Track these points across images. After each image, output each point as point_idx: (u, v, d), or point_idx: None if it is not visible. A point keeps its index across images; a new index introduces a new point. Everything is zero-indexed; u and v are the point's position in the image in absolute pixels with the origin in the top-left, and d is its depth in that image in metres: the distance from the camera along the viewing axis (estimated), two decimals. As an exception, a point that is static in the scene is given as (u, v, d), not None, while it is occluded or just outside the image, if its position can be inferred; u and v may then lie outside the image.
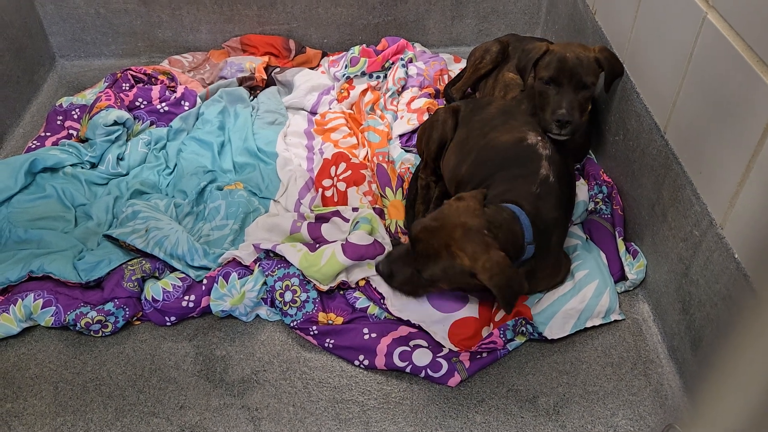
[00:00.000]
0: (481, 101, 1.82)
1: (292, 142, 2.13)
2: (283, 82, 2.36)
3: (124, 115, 2.06)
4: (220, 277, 1.60)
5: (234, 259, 1.66)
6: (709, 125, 1.32)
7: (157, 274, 1.63)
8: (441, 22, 2.56)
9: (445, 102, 2.24)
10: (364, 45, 2.42)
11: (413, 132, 2.11)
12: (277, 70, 2.38)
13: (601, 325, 1.56)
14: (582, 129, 1.76)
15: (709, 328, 1.32)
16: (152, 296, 1.56)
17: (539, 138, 1.57)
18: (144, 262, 1.63)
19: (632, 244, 1.68)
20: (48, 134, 2.13)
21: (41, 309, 1.54)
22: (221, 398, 1.43)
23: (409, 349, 1.48)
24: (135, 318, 1.59)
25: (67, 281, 1.59)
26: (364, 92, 2.27)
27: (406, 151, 2.06)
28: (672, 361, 1.47)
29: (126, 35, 2.52)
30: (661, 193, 1.53)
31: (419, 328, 1.54)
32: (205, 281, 1.62)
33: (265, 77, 2.37)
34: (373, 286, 1.61)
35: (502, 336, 1.47)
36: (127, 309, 1.56)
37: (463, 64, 2.42)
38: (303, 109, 2.30)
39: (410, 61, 2.38)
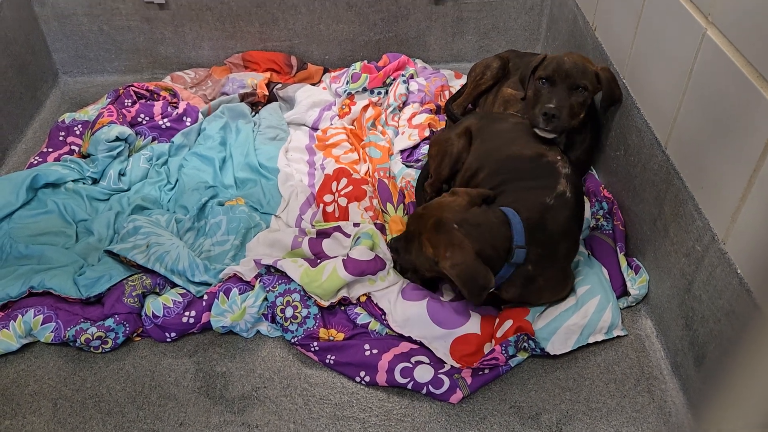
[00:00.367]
0: (495, 114, 1.83)
1: (293, 158, 2.14)
2: (284, 98, 2.37)
3: (126, 130, 2.07)
4: (221, 293, 1.60)
5: (235, 274, 1.66)
6: (710, 140, 1.32)
7: (157, 290, 1.63)
8: (442, 38, 2.58)
9: (446, 117, 2.24)
10: (366, 61, 2.43)
11: (414, 147, 2.12)
12: (279, 86, 2.39)
13: (603, 341, 1.55)
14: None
15: (712, 344, 1.31)
16: (152, 312, 1.56)
17: (559, 157, 1.58)
18: (145, 277, 1.62)
19: (634, 259, 1.68)
20: (50, 150, 2.14)
21: (41, 325, 1.54)
22: (221, 415, 1.42)
23: (410, 365, 1.47)
24: (135, 334, 1.58)
25: (68, 297, 1.59)
26: (365, 108, 2.28)
27: (407, 166, 2.07)
28: (675, 377, 1.46)
29: (129, 52, 2.54)
30: (662, 208, 1.53)
31: (420, 344, 1.53)
32: (205, 297, 1.61)
33: (267, 93, 2.38)
34: (374, 302, 1.60)
35: (503, 352, 1.46)
36: (127, 325, 1.55)
37: (463, 80, 2.44)
38: (304, 125, 2.31)
39: (411, 77, 2.39)
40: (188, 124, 2.23)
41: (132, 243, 1.68)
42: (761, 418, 1.16)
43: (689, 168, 1.41)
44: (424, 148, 2.09)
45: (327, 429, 1.39)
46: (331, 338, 1.55)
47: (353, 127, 2.26)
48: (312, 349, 1.52)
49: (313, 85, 2.46)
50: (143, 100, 2.32)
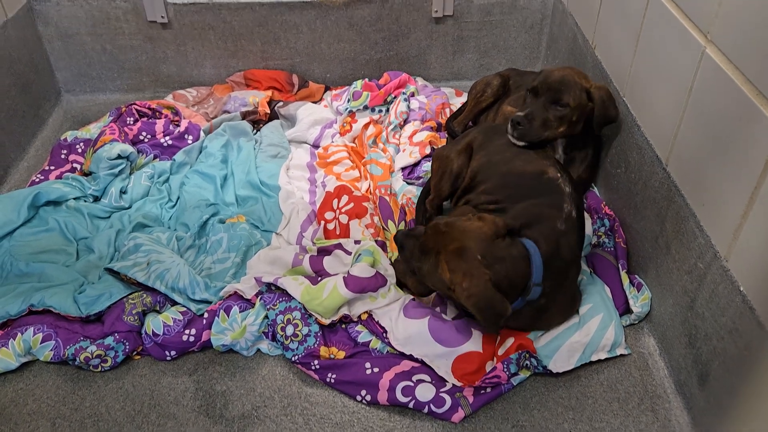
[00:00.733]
0: (498, 127, 1.83)
1: (294, 175, 2.14)
2: (286, 116, 2.38)
3: (128, 148, 2.08)
4: (222, 311, 1.59)
5: (235, 292, 1.65)
6: (711, 158, 1.32)
7: (158, 308, 1.62)
8: (442, 56, 2.60)
9: (447, 135, 2.25)
10: (367, 79, 2.45)
11: (415, 165, 2.13)
12: (280, 104, 2.40)
13: (606, 359, 1.54)
14: (539, 140, 1.71)
15: (716, 362, 1.30)
16: (152, 330, 1.55)
17: (559, 174, 1.58)
18: (145, 295, 1.62)
19: (636, 276, 1.67)
20: (52, 168, 2.14)
21: (40, 343, 1.53)
22: (221, 435, 1.41)
23: (412, 384, 1.46)
24: (135, 352, 1.57)
25: (68, 315, 1.58)
26: (366, 126, 2.29)
27: (409, 183, 2.07)
28: (679, 396, 1.45)
29: (131, 70, 2.56)
30: (664, 225, 1.53)
31: (422, 362, 1.52)
32: (206, 315, 1.61)
33: (268, 111, 2.40)
34: (376, 320, 1.59)
35: (505, 370, 1.45)
36: (127, 343, 1.54)
37: (464, 98, 2.45)
38: (306, 143, 2.31)
39: (412, 95, 2.40)
40: (190, 141, 2.24)
41: (132, 261, 1.68)
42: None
43: (690, 185, 1.41)
44: (425, 166, 2.10)
45: (328, 449, 1.38)
46: (332, 356, 1.54)
47: (354, 145, 2.27)
48: (313, 367, 1.51)
49: (315, 103, 2.47)
50: (145, 118, 2.33)
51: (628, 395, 1.47)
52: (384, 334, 1.57)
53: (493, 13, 2.49)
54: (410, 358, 1.53)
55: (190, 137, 2.25)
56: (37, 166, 2.23)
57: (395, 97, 2.38)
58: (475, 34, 2.54)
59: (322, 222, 1.88)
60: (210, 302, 1.65)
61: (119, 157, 2.05)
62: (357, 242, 1.76)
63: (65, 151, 2.19)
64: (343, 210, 1.88)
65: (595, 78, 1.97)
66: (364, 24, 2.48)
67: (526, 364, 1.49)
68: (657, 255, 1.57)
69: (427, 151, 2.14)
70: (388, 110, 2.37)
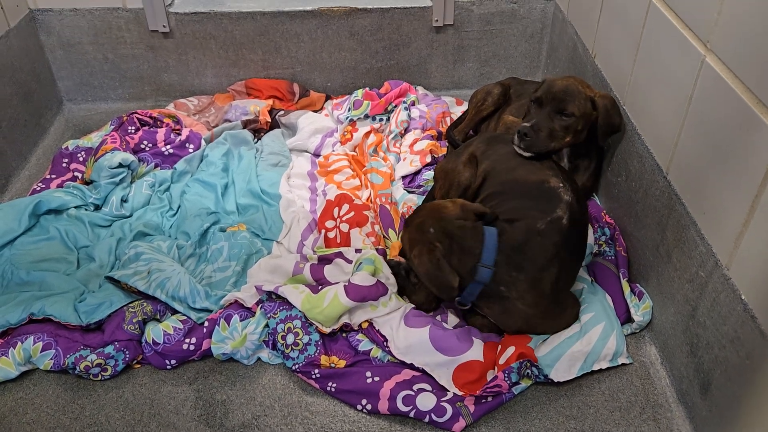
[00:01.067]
0: (499, 136, 1.83)
1: (295, 184, 2.15)
2: (287, 125, 2.39)
3: (129, 157, 2.08)
4: (222, 320, 1.59)
5: (236, 301, 1.65)
6: (711, 166, 1.32)
7: (158, 317, 1.62)
8: (443, 65, 2.61)
9: (447, 144, 2.26)
10: (368, 88, 2.46)
11: (416, 173, 2.13)
12: (281, 113, 2.41)
13: (608, 368, 1.53)
14: (547, 151, 1.71)
15: (717, 371, 1.29)
16: (153, 339, 1.55)
17: (561, 183, 1.57)
18: (145, 304, 1.61)
19: (637, 285, 1.67)
20: (53, 176, 2.15)
21: (41, 352, 1.52)
22: (221, 444, 1.40)
23: (412, 393, 1.46)
24: (135, 361, 1.57)
25: (68, 324, 1.58)
26: (367, 134, 2.29)
27: (409, 192, 2.07)
28: (681, 405, 1.44)
29: (133, 79, 2.57)
30: (665, 233, 1.53)
31: (423, 371, 1.52)
32: (206, 323, 1.60)
33: (269, 120, 2.40)
34: (376, 329, 1.59)
35: (506, 379, 1.44)
36: (127, 352, 1.54)
37: (465, 107, 2.45)
38: (306, 151, 2.32)
39: (413, 104, 2.41)
40: (191, 150, 2.24)
41: (133, 269, 1.67)
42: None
43: (691, 193, 1.41)
44: (426, 174, 2.10)
45: (328, 458, 1.38)
46: (333, 365, 1.54)
47: (355, 154, 2.27)
48: (313, 376, 1.51)
49: (316, 112, 2.48)
50: (146, 127, 2.34)
51: (629, 404, 1.47)
52: (385, 343, 1.56)
53: (494, 22, 2.50)
54: (411, 367, 1.53)
55: (191, 146, 2.25)
56: (38, 174, 2.24)
57: (396, 106, 2.39)
58: (475, 43, 2.55)
59: (323, 230, 1.88)
60: (210, 311, 1.65)
61: (120, 165, 2.05)
62: (358, 251, 1.76)
63: (66, 160, 2.20)
64: (343, 218, 1.88)
65: (596, 87, 1.98)
66: (364, 33, 2.49)
67: (528, 373, 1.48)
68: (658, 263, 1.57)
69: (428, 159, 2.15)
70: (388, 119, 2.37)
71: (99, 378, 1.53)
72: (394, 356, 1.54)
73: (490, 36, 2.54)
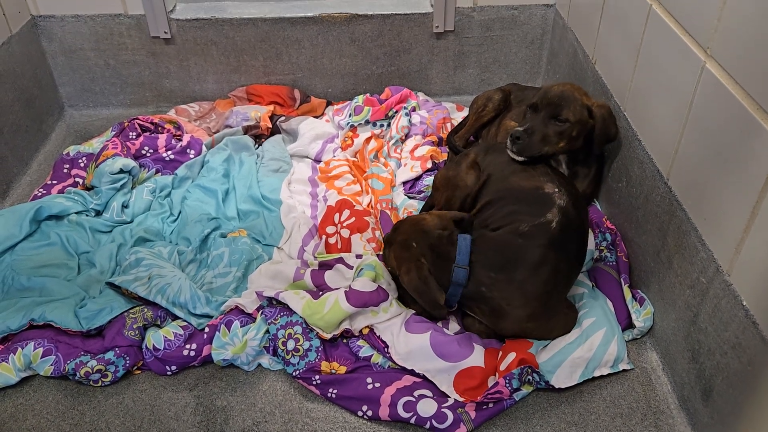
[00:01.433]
0: (497, 146, 1.83)
1: (296, 190, 2.15)
2: (287, 131, 2.39)
3: (130, 163, 2.08)
4: (223, 326, 1.59)
5: (236, 306, 1.65)
6: (712, 172, 1.32)
7: (158, 323, 1.62)
8: (443, 71, 2.61)
9: (448, 150, 2.26)
10: (368, 94, 2.46)
11: (417, 179, 2.13)
12: (282, 118, 2.41)
13: (609, 375, 1.53)
14: (539, 156, 1.71)
15: (719, 377, 1.29)
16: (153, 345, 1.55)
17: (557, 189, 1.58)
18: (146, 310, 1.61)
19: (638, 291, 1.67)
20: (54, 182, 2.15)
21: (41, 358, 1.52)
22: (221, 450, 1.40)
23: (413, 399, 1.45)
24: (135, 367, 1.57)
25: (68, 329, 1.58)
26: (368, 140, 2.29)
27: (410, 197, 2.07)
28: (683, 411, 1.44)
29: (134, 85, 2.57)
30: (666, 239, 1.53)
31: (424, 377, 1.51)
32: (207, 329, 1.60)
33: (270, 126, 2.40)
34: (377, 335, 1.59)
35: (507, 385, 1.44)
36: (127, 358, 1.54)
37: (465, 113, 2.46)
38: (307, 157, 2.32)
39: (413, 109, 2.41)
40: (192, 156, 2.24)
41: (134, 275, 1.67)
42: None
43: (692, 199, 1.41)
44: (427, 180, 2.10)
45: (328, 465, 1.37)
46: (333, 371, 1.53)
47: (356, 159, 2.27)
48: (314, 382, 1.51)
49: (316, 117, 2.48)
50: (147, 133, 2.34)
51: (631, 411, 1.46)
52: (385, 349, 1.56)
53: (494, 28, 2.51)
54: (412, 373, 1.52)
55: (192, 152, 2.26)
56: (39, 180, 2.24)
57: (396, 112, 2.39)
58: (476, 50, 2.56)
59: (324, 236, 1.88)
60: (211, 317, 1.64)
61: (121, 171, 2.05)
62: (358, 256, 1.76)
63: (67, 166, 2.20)
64: (344, 224, 1.88)
65: (596, 92, 1.98)
66: (365, 39, 2.49)
67: (529, 380, 1.48)
68: (659, 269, 1.57)
69: (429, 165, 2.15)
70: (389, 125, 2.38)
71: (99, 384, 1.53)
72: (394, 362, 1.54)
73: (490, 42, 2.55)
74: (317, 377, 1.51)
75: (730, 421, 1.25)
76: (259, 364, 1.58)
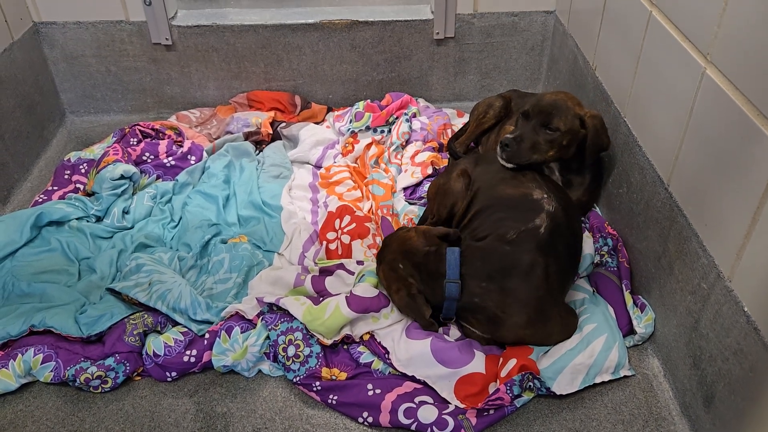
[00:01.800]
0: (488, 156, 1.85)
1: (296, 196, 2.15)
2: (288, 137, 2.39)
3: (131, 169, 2.09)
4: (223, 332, 1.58)
5: (237, 312, 1.65)
6: (712, 178, 1.32)
7: (159, 329, 1.62)
8: (444, 78, 2.62)
9: (448, 155, 2.26)
10: (369, 100, 2.46)
11: (417, 185, 2.13)
12: (283, 124, 2.42)
13: (610, 381, 1.53)
14: (529, 163, 1.71)
15: (721, 384, 1.29)
16: (153, 351, 1.54)
17: (544, 195, 1.58)
18: (146, 316, 1.61)
19: (639, 297, 1.66)
20: (55, 188, 2.15)
21: (41, 364, 1.52)
22: (221, 457, 1.40)
23: (414, 405, 1.45)
24: (136, 373, 1.57)
25: (68, 335, 1.58)
26: (368, 146, 2.30)
27: (410, 203, 2.07)
28: (685, 418, 1.43)
29: (135, 92, 2.58)
30: (666, 245, 1.52)
31: (424, 383, 1.51)
32: (207, 336, 1.60)
33: (271, 132, 2.41)
34: (378, 341, 1.58)
35: (508, 392, 1.43)
36: (127, 364, 1.54)
37: (466, 119, 2.46)
38: (308, 163, 2.32)
39: (414, 115, 2.42)
40: (192, 162, 2.25)
41: (134, 281, 1.67)
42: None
43: (692, 205, 1.41)
44: (427, 186, 2.10)
45: (329, 472, 1.37)
46: (334, 378, 1.53)
47: (356, 165, 2.28)
48: (314, 388, 1.50)
49: (317, 123, 2.48)
50: (148, 139, 2.35)
51: (632, 417, 1.46)
52: (386, 355, 1.56)
53: (494, 35, 2.52)
54: (412, 379, 1.52)
55: (193, 158, 2.26)
56: (40, 186, 2.24)
57: (397, 118, 2.40)
58: (476, 56, 2.56)
59: (324, 242, 1.88)
60: (211, 323, 1.64)
61: (122, 177, 2.05)
62: (359, 263, 1.76)
63: (68, 172, 2.20)
64: (345, 230, 1.88)
65: (596, 99, 1.98)
66: (366, 46, 2.50)
67: (530, 386, 1.48)
68: (660, 275, 1.57)
69: (429, 171, 2.15)
70: (390, 131, 2.38)
71: (99, 390, 1.52)
72: (395, 368, 1.54)
73: (490, 48, 2.55)
74: (318, 383, 1.50)
75: (732, 428, 1.25)
76: (260, 371, 1.58)
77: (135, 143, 2.30)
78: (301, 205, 2.10)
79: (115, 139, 2.33)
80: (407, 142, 2.32)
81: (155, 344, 1.55)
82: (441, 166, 2.21)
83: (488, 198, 1.67)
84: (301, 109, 2.57)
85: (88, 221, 1.99)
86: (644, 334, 1.59)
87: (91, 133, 2.54)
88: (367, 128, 2.36)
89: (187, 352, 1.56)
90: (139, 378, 1.57)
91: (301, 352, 1.54)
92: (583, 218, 1.92)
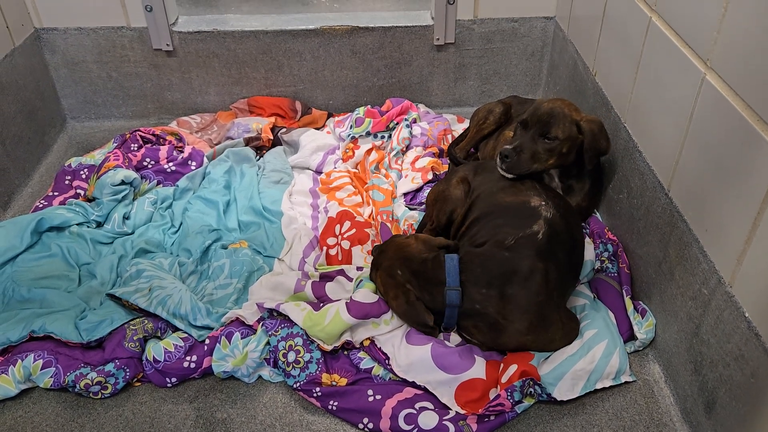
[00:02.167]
0: (486, 164, 1.85)
1: (297, 201, 2.15)
2: (289, 142, 2.39)
3: (132, 174, 2.09)
4: (223, 337, 1.58)
5: (237, 318, 1.64)
6: (713, 183, 1.32)
7: (159, 334, 1.62)
8: (444, 83, 2.62)
9: (448, 161, 2.26)
10: (369, 106, 2.47)
11: (417, 190, 2.13)
12: (284, 130, 2.42)
13: (611, 387, 1.52)
14: (529, 173, 1.72)
15: (722, 390, 1.28)
16: (153, 356, 1.54)
17: (542, 203, 1.59)
18: (146, 321, 1.61)
19: (640, 302, 1.66)
20: (56, 194, 2.15)
21: (41, 370, 1.52)
22: (221, 463, 1.39)
23: (414, 411, 1.44)
24: (135, 379, 1.56)
25: (68, 341, 1.57)
26: (368, 152, 2.30)
27: (411, 209, 2.07)
28: (686, 424, 1.43)
29: (136, 97, 2.58)
30: (667, 251, 1.52)
31: (425, 389, 1.51)
32: (207, 341, 1.60)
33: (272, 137, 2.41)
34: (378, 346, 1.58)
35: (509, 397, 1.43)
36: (127, 370, 1.53)
37: (466, 124, 2.46)
38: (308, 169, 2.32)
39: (414, 121, 2.42)
40: (193, 167, 2.25)
41: (134, 287, 1.67)
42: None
43: (693, 211, 1.41)
44: (428, 191, 2.10)
45: (329, 478, 1.36)
46: (334, 383, 1.53)
47: (357, 171, 2.28)
48: (314, 394, 1.50)
49: (317, 129, 2.49)
50: (149, 145, 2.35)
51: (633, 423, 1.46)
52: (386, 361, 1.56)
53: (494, 40, 2.52)
54: (413, 385, 1.52)
55: (194, 163, 2.26)
56: (41, 191, 2.24)
57: (397, 124, 2.40)
58: (476, 62, 2.57)
59: (324, 248, 1.88)
60: (211, 328, 1.64)
61: (123, 183, 2.06)
62: (359, 268, 1.76)
63: (69, 177, 2.21)
64: (345, 236, 1.88)
65: (596, 105, 1.99)
66: (366, 51, 2.50)
67: (530, 392, 1.47)
68: (661, 281, 1.56)
69: (429, 176, 2.15)
70: (390, 136, 2.38)
71: (99, 396, 1.52)
72: (395, 374, 1.54)
73: (490, 54, 2.56)
74: (318, 389, 1.50)
75: (734, 434, 1.25)
76: (260, 376, 1.58)
77: (136, 149, 2.30)
78: (302, 210, 2.11)
79: (115, 144, 2.33)
80: (407, 147, 2.32)
81: (155, 350, 1.55)
82: (441, 172, 2.21)
83: (487, 205, 1.67)
84: (301, 115, 2.57)
85: (88, 227, 1.99)
86: (645, 340, 1.59)
87: (91, 138, 2.54)
88: (368, 134, 2.36)
89: (187, 358, 1.55)
90: (139, 384, 1.57)
91: (301, 357, 1.53)
92: (583, 224, 1.92)
